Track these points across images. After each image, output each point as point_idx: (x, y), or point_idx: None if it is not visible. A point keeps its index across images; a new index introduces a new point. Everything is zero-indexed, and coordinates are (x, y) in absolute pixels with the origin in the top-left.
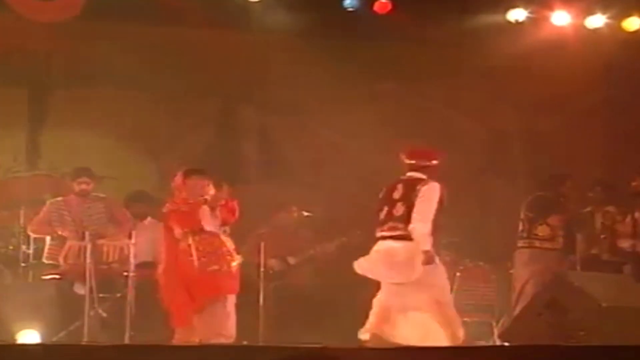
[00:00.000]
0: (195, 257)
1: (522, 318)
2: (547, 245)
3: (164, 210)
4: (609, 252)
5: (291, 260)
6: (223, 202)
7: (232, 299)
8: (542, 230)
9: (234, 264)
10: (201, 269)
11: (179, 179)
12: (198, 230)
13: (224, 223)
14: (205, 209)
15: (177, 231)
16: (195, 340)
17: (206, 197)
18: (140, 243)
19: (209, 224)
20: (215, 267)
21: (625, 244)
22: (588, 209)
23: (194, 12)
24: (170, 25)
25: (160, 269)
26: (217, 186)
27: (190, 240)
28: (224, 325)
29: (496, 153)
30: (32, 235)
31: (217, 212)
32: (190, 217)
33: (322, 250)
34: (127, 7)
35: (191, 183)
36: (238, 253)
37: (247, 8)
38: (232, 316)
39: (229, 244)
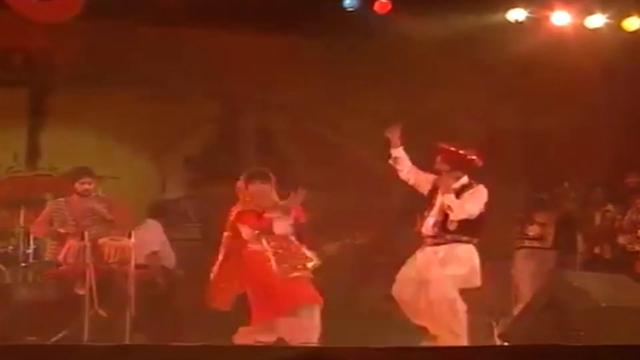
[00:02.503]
0: (273, 262)
1: (522, 318)
2: (535, 244)
3: (232, 210)
4: (611, 252)
5: None
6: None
7: (318, 310)
8: (532, 230)
9: (310, 264)
10: (282, 275)
11: (241, 183)
12: (270, 233)
13: (296, 222)
14: (275, 211)
15: (247, 232)
16: (273, 338)
17: (275, 200)
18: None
19: (280, 227)
20: (297, 273)
21: (624, 240)
22: (588, 209)
23: (194, 12)
24: (170, 25)
25: (216, 269)
26: (289, 190)
27: (264, 243)
28: (309, 335)
29: (495, 153)
30: (34, 236)
31: (290, 215)
32: (261, 219)
33: (322, 251)
34: (127, 7)
35: (254, 188)
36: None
37: (247, 8)
38: (317, 329)
39: (302, 248)
